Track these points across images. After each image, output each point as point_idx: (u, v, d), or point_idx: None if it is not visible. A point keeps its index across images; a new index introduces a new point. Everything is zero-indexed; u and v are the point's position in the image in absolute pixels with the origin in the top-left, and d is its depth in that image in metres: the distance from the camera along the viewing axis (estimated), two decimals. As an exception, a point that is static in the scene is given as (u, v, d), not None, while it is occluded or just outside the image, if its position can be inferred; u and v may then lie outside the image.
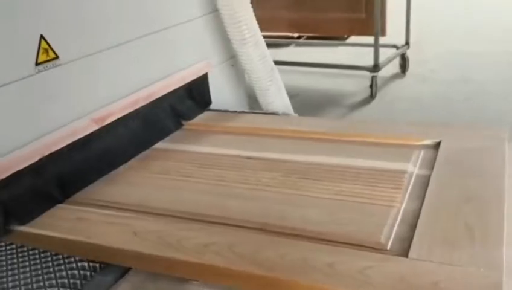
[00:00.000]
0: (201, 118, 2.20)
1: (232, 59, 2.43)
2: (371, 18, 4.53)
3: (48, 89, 1.60)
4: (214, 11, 2.21)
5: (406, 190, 1.51)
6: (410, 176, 1.58)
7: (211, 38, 2.33)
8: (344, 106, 4.61)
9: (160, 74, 2.06)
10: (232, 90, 2.53)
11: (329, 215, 1.42)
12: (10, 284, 1.27)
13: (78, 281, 1.29)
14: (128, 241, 1.35)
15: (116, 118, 1.82)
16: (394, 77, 5.13)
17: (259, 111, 2.33)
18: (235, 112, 2.23)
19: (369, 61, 4.62)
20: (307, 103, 4.33)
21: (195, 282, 1.27)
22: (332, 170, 1.67)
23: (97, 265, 1.34)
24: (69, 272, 1.32)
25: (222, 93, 2.45)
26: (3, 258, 1.38)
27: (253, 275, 1.18)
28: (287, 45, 5.98)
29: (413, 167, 1.64)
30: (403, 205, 1.43)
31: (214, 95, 2.38)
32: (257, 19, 5.54)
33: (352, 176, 1.62)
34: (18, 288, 1.26)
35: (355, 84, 4.83)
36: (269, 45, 6.35)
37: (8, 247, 1.43)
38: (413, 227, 1.30)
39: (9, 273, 1.32)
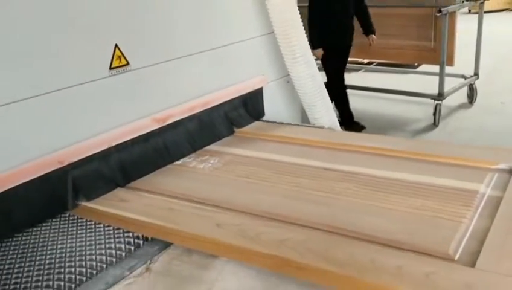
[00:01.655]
0: (252, 126, 2.42)
1: (288, 76, 2.64)
2: (439, 47, 4.59)
3: (118, 90, 1.89)
4: (272, 32, 2.44)
5: (477, 208, 1.57)
6: (482, 196, 1.64)
7: (268, 56, 2.56)
8: (406, 132, 4.67)
9: (219, 85, 2.31)
10: (287, 104, 2.73)
11: (398, 225, 1.50)
12: (69, 250, 1.54)
13: (133, 247, 1.55)
14: (212, 230, 1.52)
15: (175, 120, 2.08)
16: (461, 106, 5.12)
17: (307, 124, 2.52)
18: (282, 123, 2.44)
19: (436, 90, 4.68)
20: (370, 126, 4.44)
21: (223, 258, 1.48)
22: (404, 185, 1.76)
23: (149, 238, 1.59)
24: (126, 240, 1.57)
25: (277, 106, 2.67)
26: (74, 227, 1.66)
27: (325, 271, 1.29)
28: (356, 70, 6.13)
29: (486, 188, 1.69)
30: (473, 222, 1.49)
31: (270, 108, 2.60)
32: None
33: (424, 192, 1.69)
34: (77, 252, 1.51)
35: (420, 112, 4.88)
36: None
37: (79, 219, 1.70)
38: (481, 243, 1.36)
39: (72, 240, 1.59)
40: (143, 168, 1.95)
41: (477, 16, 5.11)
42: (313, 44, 4.16)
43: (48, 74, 1.68)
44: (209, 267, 1.45)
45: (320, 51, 4.15)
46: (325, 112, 2.46)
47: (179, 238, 1.54)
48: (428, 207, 1.59)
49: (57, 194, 1.71)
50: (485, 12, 5.33)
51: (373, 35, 4.40)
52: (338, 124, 2.55)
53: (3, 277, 1.41)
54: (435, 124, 4.69)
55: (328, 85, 4.27)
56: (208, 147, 2.21)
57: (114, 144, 1.86)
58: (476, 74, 5.11)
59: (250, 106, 2.46)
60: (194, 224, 1.57)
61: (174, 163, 2.06)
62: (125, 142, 1.91)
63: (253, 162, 2.04)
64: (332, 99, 4.41)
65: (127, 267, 1.46)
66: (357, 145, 2.13)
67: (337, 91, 4.31)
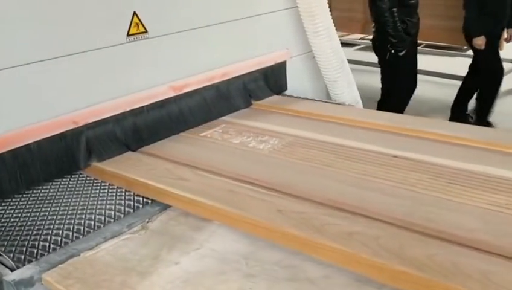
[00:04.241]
0: (272, 100, 2.42)
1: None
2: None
3: (135, 56, 1.95)
4: (297, 5, 2.43)
5: None
6: None
7: (293, 30, 2.55)
8: (447, 116, 4.55)
9: (239, 56, 2.33)
10: (311, 80, 2.72)
11: (482, 224, 1.36)
12: (78, 205, 1.62)
13: (135, 206, 1.62)
14: (273, 217, 1.41)
15: (192, 89, 2.12)
16: (508, 92, 4.93)
17: (329, 101, 2.51)
18: (298, 97, 2.44)
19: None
20: (410, 108, 4.36)
21: (216, 222, 1.52)
22: (484, 179, 1.62)
23: (149, 200, 1.65)
24: (128, 202, 1.64)
25: (302, 82, 2.67)
26: (83, 185, 1.74)
27: (400, 272, 1.17)
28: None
29: None
30: None
31: (294, 83, 2.61)
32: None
33: (508, 188, 1.55)
34: (90, 207, 1.59)
35: (463, 96, 4.73)
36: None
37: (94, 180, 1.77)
38: None
39: (78, 196, 1.67)
40: (157, 134, 2.01)
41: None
42: (474, 31, 3.93)
43: (67, 38, 1.75)
44: (202, 229, 1.50)
45: (482, 39, 3.92)
46: (347, 88, 2.44)
47: (235, 222, 1.47)
48: None
49: (70, 153, 1.79)
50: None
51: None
52: (360, 102, 2.52)
53: (10, 224, 1.52)
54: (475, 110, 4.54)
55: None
56: (254, 124, 2.15)
57: (129, 109, 1.93)
58: (527, 59, 4.90)
59: (271, 80, 2.47)
60: (254, 208, 1.47)
61: (232, 141, 1.99)
62: (140, 107, 1.97)
63: (314, 145, 1.93)
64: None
65: (126, 224, 1.53)
66: (424, 131, 1.98)
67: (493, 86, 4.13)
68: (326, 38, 2.32)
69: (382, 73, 4.10)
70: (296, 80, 2.62)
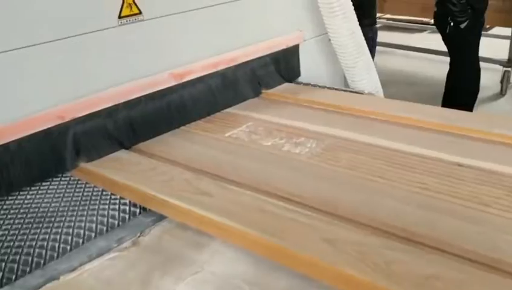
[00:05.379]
0: (283, 88, 2.19)
1: (329, 34, 2.39)
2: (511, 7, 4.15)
3: (128, 41, 1.73)
4: (311, -18, 2.19)
5: None
6: None
7: (306, 11, 2.31)
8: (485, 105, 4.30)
9: (247, 40, 2.10)
10: (327, 65, 2.49)
11: None
12: (62, 214, 1.41)
13: (127, 216, 1.42)
14: (321, 249, 1.13)
15: (195, 76, 1.90)
16: None
17: (348, 89, 2.29)
18: (310, 85, 2.20)
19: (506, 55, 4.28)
20: (429, 92, 4.12)
21: (218, 238, 1.31)
22: None
23: (146, 208, 1.44)
24: (122, 207, 1.44)
25: (317, 67, 2.44)
26: (64, 188, 1.53)
27: None
28: (420, 30, 5.70)
29: None
30: None
31: (308, 68, 2.38)
32: (391, 2, 5.30)
33: None
34: (74, 218, 1.39)
35: (486, 78, 4.45)
36: (402, 29, 6.14)
37: (78, 182, 1.56)
38: None
39: (70, 204, 1.46)
40: (156, 129, 1.80)
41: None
42: None
43: (50, 22, 1.54)
44: (203, 246, 1.29)
45: None
46: (366, 75, 2.21)
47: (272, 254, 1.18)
48: None
49: (56, 152, 1.59)
50: None
51: None
52: (381, 90, 2.29)
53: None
54: (501, 93, 4.33)
55: None
56: (284, 122, 1.87)
57: (122, 100, 1.71)
58: (555, 40, 4.60)
59: (283, 65, 2.24)
60: (295, 236, 1.18)
61: (262, 143, 1.71)
62: (136, 98, 1.75)
63: (358, 149, 1.64)
64: None
65: (115, 239, 1.33)
66: (491, 132, 1.66)
67: None
68: (343, 18, 2.08)
69: (449, 51, 3.70)
70: (310, 66, 2.39)
